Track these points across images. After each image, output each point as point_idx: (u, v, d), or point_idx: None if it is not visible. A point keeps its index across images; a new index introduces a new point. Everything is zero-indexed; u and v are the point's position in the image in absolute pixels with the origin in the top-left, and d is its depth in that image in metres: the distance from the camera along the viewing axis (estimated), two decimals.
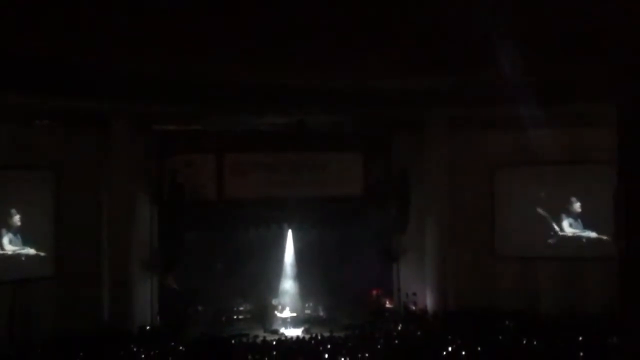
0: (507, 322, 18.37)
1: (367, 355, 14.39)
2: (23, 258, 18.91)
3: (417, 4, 11.84)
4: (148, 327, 19.82)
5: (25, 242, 19.03)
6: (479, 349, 14.63)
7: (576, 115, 19.79)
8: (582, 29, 12.58)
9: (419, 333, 18.34)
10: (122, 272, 19.81)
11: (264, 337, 18.70)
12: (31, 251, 19.11)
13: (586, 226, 21.09)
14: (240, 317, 21.99)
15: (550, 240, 21.71)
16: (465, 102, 18.41)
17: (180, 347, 16.58)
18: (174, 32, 13.22)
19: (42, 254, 19.28)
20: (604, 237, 20.08)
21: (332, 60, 15.37)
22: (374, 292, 22.62)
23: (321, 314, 22.35)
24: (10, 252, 18.67)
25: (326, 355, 14.83)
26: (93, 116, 19.42)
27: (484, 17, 11.48)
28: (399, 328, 19.53)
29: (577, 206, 21.25)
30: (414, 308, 21.48)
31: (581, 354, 13.69)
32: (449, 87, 17.45)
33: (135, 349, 16.18)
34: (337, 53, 14.84)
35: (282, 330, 20.78)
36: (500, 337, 16.12)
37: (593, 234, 20.89)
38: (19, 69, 14.70)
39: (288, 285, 22.64)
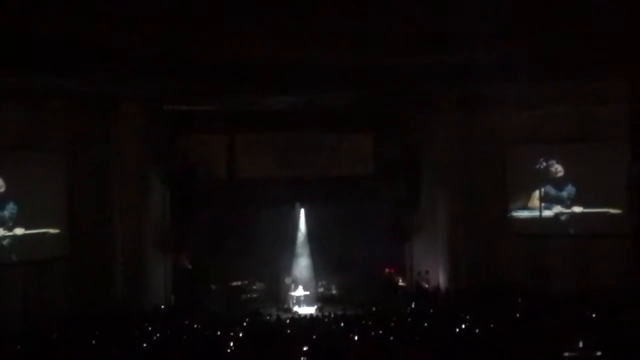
0: (519, 300, 18.33)
1: (380, 333, 14.41)
2: (37, 239, 19.03)
3: None
4: (162, 306, 19.99)
5: (40, 223, 19.16)
6: (491, 326, 14.61)
7: (587, 92, 19.60)
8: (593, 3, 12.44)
9: (431, 311, 18.35)
10: (135, 252, 20.00)
11: (277, 316, 18.78)
12: (45, 231, 19.24)
13: (598, 203, 20.92)
14: (254, 295, 22.10)
15: (562, 217, 21.66)
16: (475, 79, 18.25)
17: (195, 325, 16.68)
18: (185, 10, 13.17)
19: (55, 232, 19.39)
20: (617, 213, 20.02)
21: (342, 37, 15.27)
22: (387, 270, 22.65)
23: (334, 292, 22.44)
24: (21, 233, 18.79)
25: (339, 333, 14.83)
26: (104, 97, 19.45)
27: None
28: (412, 306, 19.56)
29: (589, 183, 21.05)
30: (426, 286, 21.53)
31: (593, 330, 13.63)
32: (458, 64, 17.29)
33: (149, 328, 16.27)
34: (347, 30, 14.74)
35: (295, 308, 20.89)
36: (512, 315, 16.09)
37: (605, 210, 20.74)
38: (30, 50, 14.68)
39: (301, 263, 22.69)
